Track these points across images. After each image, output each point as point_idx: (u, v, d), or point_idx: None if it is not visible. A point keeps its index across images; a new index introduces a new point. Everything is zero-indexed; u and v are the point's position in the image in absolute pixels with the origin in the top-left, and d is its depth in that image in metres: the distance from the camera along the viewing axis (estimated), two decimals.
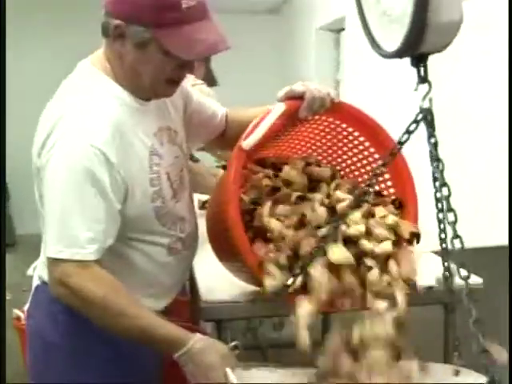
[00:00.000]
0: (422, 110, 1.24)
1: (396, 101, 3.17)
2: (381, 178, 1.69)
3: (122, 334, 1.42)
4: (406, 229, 1.59)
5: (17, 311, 2.36)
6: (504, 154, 2.40)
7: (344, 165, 1.86)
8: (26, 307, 1.71)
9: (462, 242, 1.18)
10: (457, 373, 1.43)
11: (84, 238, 1.37)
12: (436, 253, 2.12)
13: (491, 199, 2.51)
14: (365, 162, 1.80)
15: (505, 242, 2.20)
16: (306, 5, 5.72)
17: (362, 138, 1.75)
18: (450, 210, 1.20)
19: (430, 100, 1.22)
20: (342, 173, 1.87)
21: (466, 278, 1.17)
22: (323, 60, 5.26)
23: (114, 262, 1.47)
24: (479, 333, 1.11)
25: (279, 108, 1.55)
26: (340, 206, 1.58)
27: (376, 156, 1.75)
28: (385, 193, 1.77)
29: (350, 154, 1.82)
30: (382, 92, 3.38)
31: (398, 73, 3.12)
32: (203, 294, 1.77)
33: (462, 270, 1.17)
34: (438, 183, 1.23)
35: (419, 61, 1.20)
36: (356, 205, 1.50)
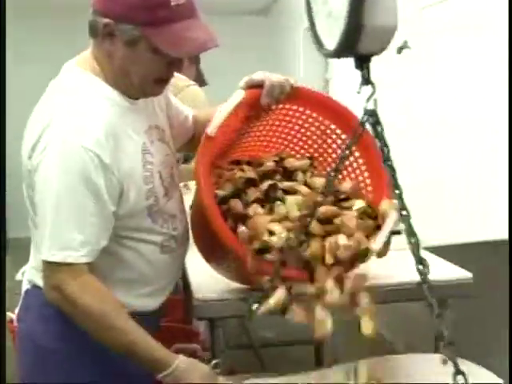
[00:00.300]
0: (366, 112, 1.25)
1: (385, 98, 3.19)
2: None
3: (110, 348, 1.43)
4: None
5: (9, 314, 2.35)
6: (492, 148, 2.41)
7: (316, 154, 1.86)
8: (16, 310, 1.71)
9: (416, 240, 1.19)
10: (445, 361, 1.44)
11: (77, 240, 1.37)
12: (427, 249, 2.15)
13: (479, 195, 2.53)
14: (334, 145, 1.81)
15: (493, 236, 2.21)
16: (294, 5, 5.74)
17: (327, 122, 1.78)
18: (403, 208, 1.20)
19: (375, 101, 1.23)
20: (316, 161, 1.86)
21: (424, 273, 1.20)
22: (312, 60, 5.27)
23: (107, 262, 1.48)
24: (442, 326, 1.14)
25: (238, 94, 1.60)
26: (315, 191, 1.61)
27: (343, 137, 1.77)
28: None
29: (320, 141, 1.83)
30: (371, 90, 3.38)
31: (386, 71, 3.14)
32: (196, 292, 1.77)
33: (419, 266, 1.18)
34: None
35: (362, 62, 1.22)
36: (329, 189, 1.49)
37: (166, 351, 1.44)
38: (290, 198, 1.61)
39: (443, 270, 1.95)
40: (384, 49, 1.19)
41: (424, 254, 2.06)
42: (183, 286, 2.24)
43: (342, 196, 1.64)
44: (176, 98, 1.80)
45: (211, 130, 1.55)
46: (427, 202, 2.65)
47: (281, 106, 1.72)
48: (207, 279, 1.82)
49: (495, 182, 2.32)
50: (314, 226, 1.50)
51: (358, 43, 1.15)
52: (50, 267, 1.40)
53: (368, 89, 1.23)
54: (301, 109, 1.75)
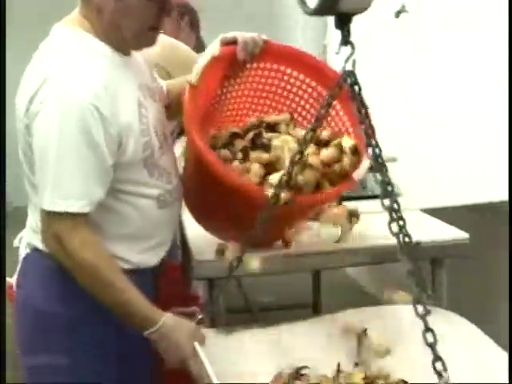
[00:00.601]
0: (344, 72, 1.25)
1: (384, 64, 3.18)
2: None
3: (104, 303, 1.45)
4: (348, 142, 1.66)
5: (9, 279, 2.35)
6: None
7: (299, 109, 1.87)
8: (15, 277, 1.70)
9: (396, 202, 1.20)
10: (428, 312, 1.47)
11: (78, 190, 1.39)
12: (425, 211, 2.16)
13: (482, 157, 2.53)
14: (311, 100, 1.84)
15: (491, 198, 2.22)
16: None
17: (301, 76, 1.81)
18: (383, 164, 1.22)
19: (354, 62, 1.23)
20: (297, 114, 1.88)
21: (397, 234, 1.20)
22: (310, 25, 5.23)
23: (106, 218, 1.48)
24: (413, 284, 1.16)
25: (214, 45, 1.69)
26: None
27: (320, 89, 1.80)
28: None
29: (297, 98, 1.85)
30: (370, 56, 3.37)
31: (384, 37, 3.13)
32: (194, 253, 1.80)
33: (393, 224, 1.20)
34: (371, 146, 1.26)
35: (342, 22, 1.21)
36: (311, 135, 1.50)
37: (154, 309, 1.46)
38: (275, 141, 1.70)
39: (439, 231, 1.96)
40: (366, 8, 1.18)
41: (420, 215, 2.11)
42: (182, 250, 2.26)
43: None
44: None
45: (193, 78, 1.62)
46: (426, 164, 2.65)
47: (255, 65, 1.77)
48: (206, 241, 1.84)
49: (495, 144, 2.33)
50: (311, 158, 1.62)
51: (339, 1, 1.14)
52: (50, 217, 1.40)
53: (347, 49, 1.22)
54: (275, 66, 1.80)
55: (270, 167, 1.66)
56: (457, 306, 1.63)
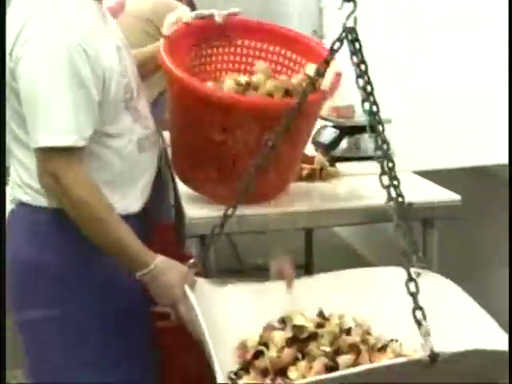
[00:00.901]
0: (345, 29, 1.25)
1: (379, 24, 3.15)
2: None
3: (98, 242, 1.47)
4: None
5: None
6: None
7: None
8: None
9: (390, 159, 1.22)
10: (418, 275, 1.49)
11: (72, 125, 1.41)
12: (417, 173, 2.17)
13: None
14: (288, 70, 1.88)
15: (487, 162, 2.22)
16: None
17: (277, 48, 1.88)
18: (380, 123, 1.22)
19: (355, 19, 1.23)
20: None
21: (388, 187, 1.26)
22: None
23: (88, 165, 1.49)
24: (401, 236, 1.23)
25: (186, 10, 1.80)
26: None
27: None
28: None
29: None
30: (367, 18, 3.33)
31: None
32: (187, 211, 1.81)
33: (384, 178, 1.22)
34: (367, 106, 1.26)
35: None
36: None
37: (147, 251, 1.48)
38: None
39: (431, 192, 1.97)
40: None
41: (413, 176, 2.12)
42: (175, 210, 2.26)
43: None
44: None
45: (166, 30, 1.73)
46: (421, 127, 2.65)
47: (240, 41, 1.86)
48: (198, 199, 1.86)
49: (491, 108, 2.32)
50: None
51: None
52: (46, 156, 1.41)
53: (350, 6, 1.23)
54: (247, 42, 1.87)
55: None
56: (447, 269, 1.65)
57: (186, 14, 1.77)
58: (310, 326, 1.42)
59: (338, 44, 1.31)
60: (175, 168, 1.92)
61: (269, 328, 1.47)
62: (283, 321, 1.48)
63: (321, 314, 1.51)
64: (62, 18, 1.42)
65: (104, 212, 1.45)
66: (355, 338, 1.40)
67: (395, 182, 1.36)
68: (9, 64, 1.43)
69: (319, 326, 1.44)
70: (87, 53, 1.42)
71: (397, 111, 2.44)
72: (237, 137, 1.67)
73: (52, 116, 1.40)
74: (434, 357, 1.12)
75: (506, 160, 2.06)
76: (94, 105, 1.45)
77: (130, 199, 1.60)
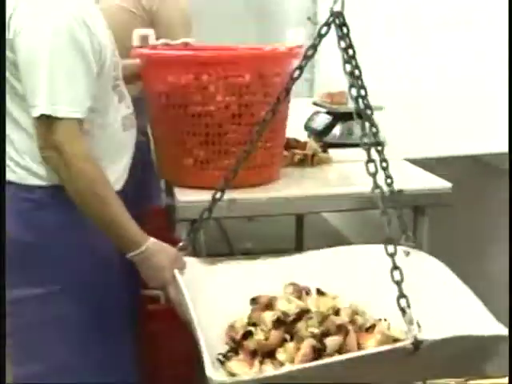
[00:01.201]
0: (332, 14, 1.25)
1: (379, 24, 3.14)
2: None
3: (92, 217, 1.47)
4: None
5: None
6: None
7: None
8: None
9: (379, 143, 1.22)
10: (407, 253, 1.50)
11: (74, 96, 1.42)
12: (408, 160, 2.17)
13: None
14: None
15: (478, 151, 2.23)
16: None
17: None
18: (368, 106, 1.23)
19: (343, 4, 1.23)
20: None
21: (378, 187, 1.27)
22: None
23: None
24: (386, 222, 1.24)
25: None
26: None
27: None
28: None
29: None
30: (367, 18, 3.30)
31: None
32: (178, 195, 1.80)
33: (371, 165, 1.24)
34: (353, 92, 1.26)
35: None
36: None
37: (140, 232, 1.49)
38: None
39: (422, 180, 1.98)
40: None
41: (404, 164, 2.12)
42: (166, 194, 2.26)
43: None
44: None
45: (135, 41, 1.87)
46: (414, 115, 2.65)
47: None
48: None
49: (485, 97, 2.32)
50: None
51: None
52: (47, 125, 1.41)
53: None
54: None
55: None
56: (437, 256, 1.65)
57: (152, 35, 1.87)
58: (293, 310, 1.42)
59: (325, 28, 1.30)
60: (163, 174, 1.99)
61: (258, 308, 1.47)
62: (268, 305, 1.49)
63: (319, 292, 1.52)
64: None
65: (102, 187, 1.46)
66: (344, 318, 1.42)
67: (384, 164, 1.36)
68: (7, 35, 1.43)
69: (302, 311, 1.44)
70: (87, 25, 1.44)
71: (390, 98, 2.45)
72: (217, 101, 1.72)
73: (55, 86, 1.40)
74: (417, 344, 1.14)
75: (497, 149, 2.07)
76: (93, 77, 1.46)
77: (114, 177, 1.59)
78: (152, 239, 1.50)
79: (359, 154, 1.99)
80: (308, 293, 1.54)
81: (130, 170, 1.70)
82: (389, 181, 1.38)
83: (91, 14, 1.50)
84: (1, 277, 1.49)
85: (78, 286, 1.56)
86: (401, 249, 1.36)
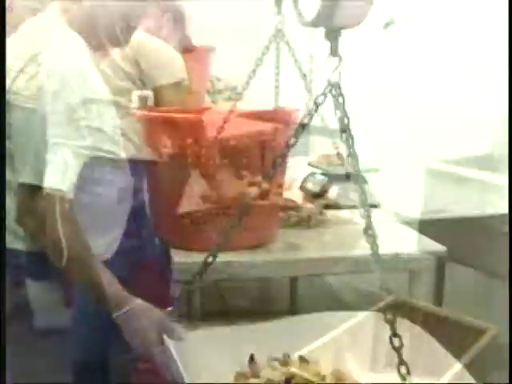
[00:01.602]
0: (329, 84, 1.28)
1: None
2: None
3: (73, 278, 1.51)
4: None
5: None
6: None
7: None
8: None
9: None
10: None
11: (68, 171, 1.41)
12: (405, 222, 2.18)
13: None
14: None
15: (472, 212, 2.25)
16: None
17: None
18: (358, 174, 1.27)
19: (339, 74, 1.26)
20: None
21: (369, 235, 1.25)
22: None
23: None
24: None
25: None
26: None
27: None
28: None
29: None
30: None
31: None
32: (174, 256, 1.82)
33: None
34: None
35: (333, 33, 1.25)
36: None
37: (125, 293, 1.47)
38: None
39: (417, 244, 1.98)
40: (359, 23, 1.23)
41: (399, 227, 2.13)
42: (161, 251, 2.25)
43: None
44: None
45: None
46: (409, 176, 2.68)
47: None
48: None
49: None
50: None
51: (335, 15, 1.19)
52: (34, 192, 1.42)
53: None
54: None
55: None
56: None
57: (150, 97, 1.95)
58: (278, 377, 1.40)
59: (321, 98, 1.33)
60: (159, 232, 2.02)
61: (241, 376, 1.46)
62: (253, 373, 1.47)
63: (301, 359, 1.50)
64: (69, 52, 1.45)
65: (82, 252, 1.44)
66: None
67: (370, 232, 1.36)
68: (7, 96, 1.45)
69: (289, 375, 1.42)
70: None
71: (385, 159, 2.48)
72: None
73: (53, 159, 1.40)
74: None
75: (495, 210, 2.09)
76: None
77: (106, 246, 1.62)
78: (137, 300, 1.47)
79: (355, 215, 2.01)
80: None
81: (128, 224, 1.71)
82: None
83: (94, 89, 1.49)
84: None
85: None
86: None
